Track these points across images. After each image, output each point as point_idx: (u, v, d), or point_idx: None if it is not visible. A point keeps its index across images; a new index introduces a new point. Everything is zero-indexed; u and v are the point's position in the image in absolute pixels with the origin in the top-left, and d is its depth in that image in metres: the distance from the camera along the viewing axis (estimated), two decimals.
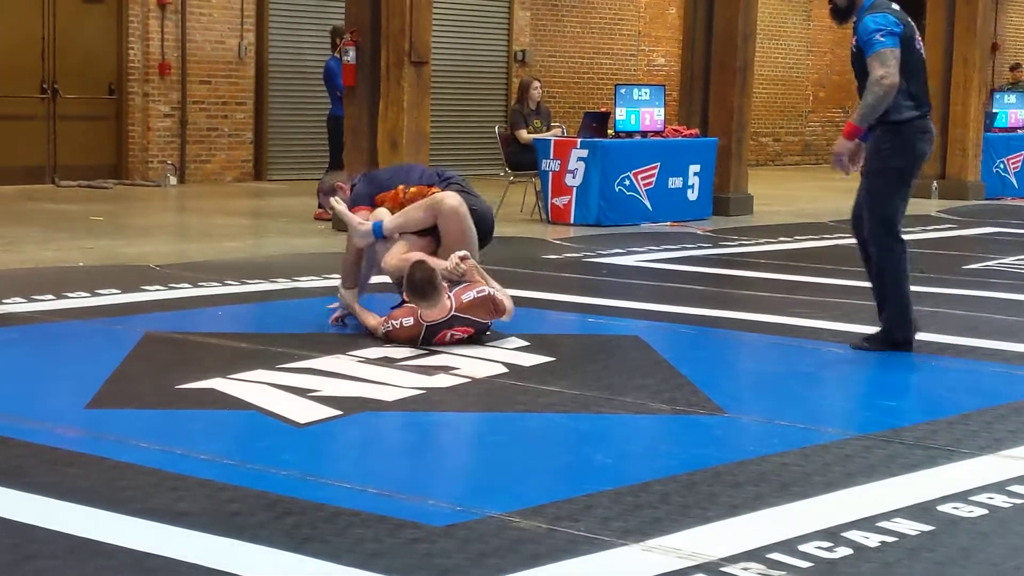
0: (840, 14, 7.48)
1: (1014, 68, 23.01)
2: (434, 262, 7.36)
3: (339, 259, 10.74)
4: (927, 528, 4.41)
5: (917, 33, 7.38)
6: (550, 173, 14.21)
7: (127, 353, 6.89)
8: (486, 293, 7.31)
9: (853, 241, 7.80)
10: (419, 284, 7.19)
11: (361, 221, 7.74)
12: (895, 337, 7.43)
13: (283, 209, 14.92)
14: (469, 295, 7.26)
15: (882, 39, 7.13)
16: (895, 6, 7.37)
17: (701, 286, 9.68)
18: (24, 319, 7.81)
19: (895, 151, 7.32)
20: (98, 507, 4.40)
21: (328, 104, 14.30)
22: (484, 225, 7.80)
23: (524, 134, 14.81)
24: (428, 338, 7.18)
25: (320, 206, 13.90)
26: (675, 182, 14.71)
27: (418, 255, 7.43)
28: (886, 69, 7.11)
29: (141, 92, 17.53)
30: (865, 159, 7.44)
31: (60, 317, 7.90)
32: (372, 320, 7.47)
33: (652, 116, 14.82)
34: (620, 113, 14.56)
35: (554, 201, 14.22)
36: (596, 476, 4.97)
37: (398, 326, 7.25)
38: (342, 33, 13.67)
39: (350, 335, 7.57)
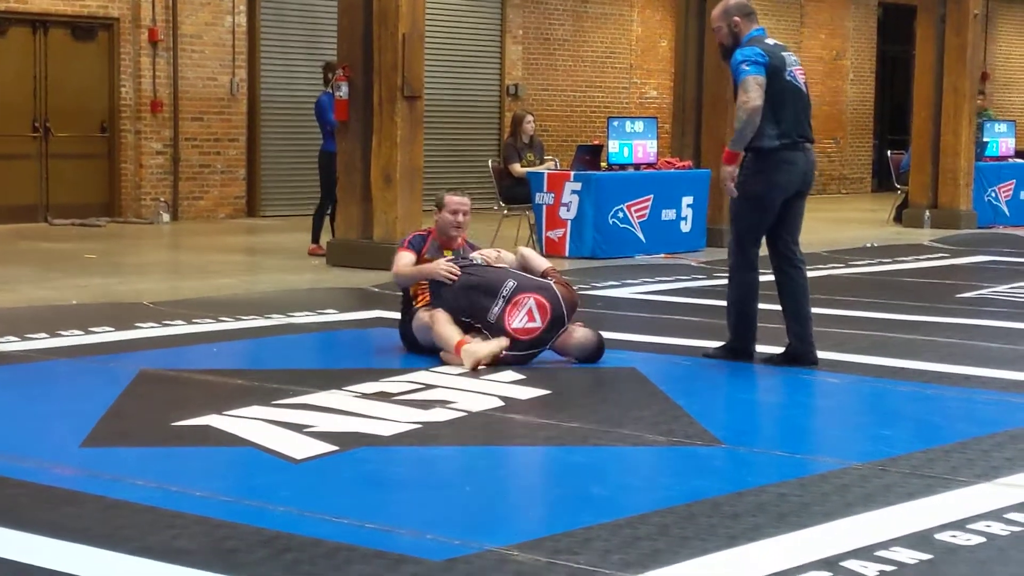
0: (727, 53, 7.88)
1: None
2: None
3: (332, 294, 10.77)
4: (925, 557, 4.40)
5: (792, 66, 7.77)
6: (544, 206, 14.23)
7: (122, 391, 6.88)
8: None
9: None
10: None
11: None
12: (736, 346, 7.89)
13: (277, 245, 14.92)
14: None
15: (746, 68, 7.59)
16: (769, 41, 7.81)
17: (697, 317, 9.68)
18: (18, 358, 7.80)
19: (755, 177, 7.73)
20: (95, 546, 4.39)
21: (320, 140, 14.29)
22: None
23: (517, 168, 14.83)
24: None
25: (314, 241, 13.90)
26: (668, 214, 14.73)
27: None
28: (747, 95, 7.55)
29: (133, 130, 17.56)
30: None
31: (54, 355, 7.89)
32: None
33: (645, 148, 14.86)
34: (613, 146, 14.59)
35: (548, 234, 14.23)
36: (594, 509, 4.95)
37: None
38: (335, 68, 13.69)
39: (344, 369, 7.57)
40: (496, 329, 7.69)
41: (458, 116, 20.99)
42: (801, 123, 7.77)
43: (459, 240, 8.42)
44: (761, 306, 7.96)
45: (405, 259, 8.26)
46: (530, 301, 7.76)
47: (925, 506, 5.01)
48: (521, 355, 7.66)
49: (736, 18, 7.76)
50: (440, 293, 7.93)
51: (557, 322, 7.75)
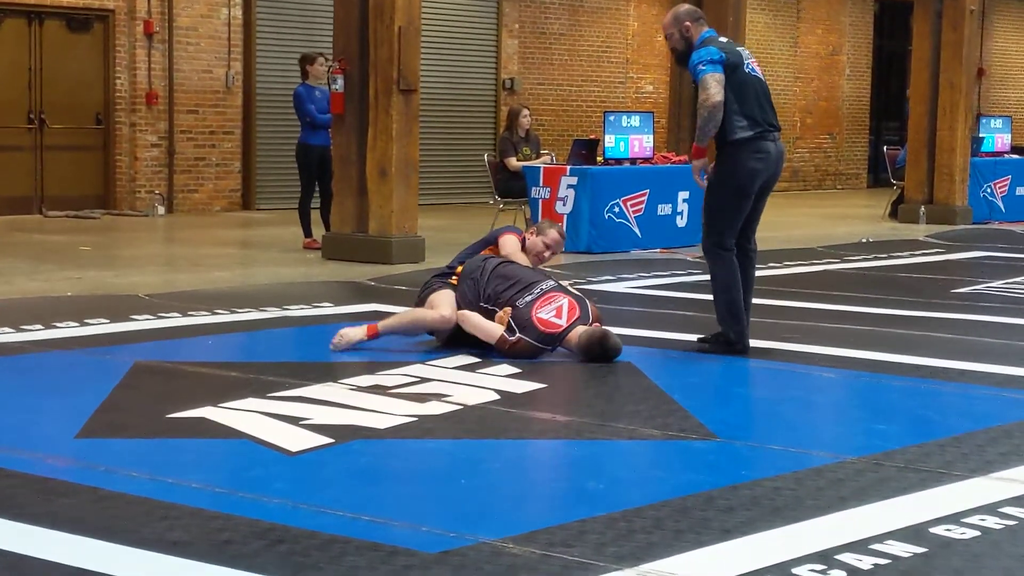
0: (681, 57, 8.17)
1: None
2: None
3: (327, 288, 10.77)
4: (920, 550, 4.40)
5: (747, 59, 8.03)
6: (540, 200, 14.23)
7: (117, 383, 6.87)
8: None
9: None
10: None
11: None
12: (729, 338, 8.00)
13: (272, 238, 14.91)
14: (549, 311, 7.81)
15: (703, 68, 7.84)
16: (722, 39, 8.13)
17: (692, 312, 9.68)
18: (13, 349, 7.79)
19: (728, 169, 7.95)
20: (90, 537, 4.39)
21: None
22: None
23: (513, 162, 14.83)
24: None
25: (307, 235, 13.88)
26: (664, 209, 14.73)
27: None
28: (707, 93, 7.80)
29: (128, 122, 17.54)
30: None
31: (49, 347, 7.89)
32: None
33: (641, 143, 14.85)
34: (609, 140, 14.59)
35: None
36: (589, 502, 4.96)
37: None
38: (312, 60, 13.71)
39: (340, 362, 7.57)
40: (521, 316, 7.69)
41: (454, 110, 20.98)
42: (766, 111, 8.03)
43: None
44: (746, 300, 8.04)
45: (516, 243, 8.44)
46: (564, 300, 7.83)
47: (919, 500, 5.01)
48: (532, 344, 7.64)
49: (687, 23, 8.04)
50: (471, 275, 8.01)
51: (579, 324, 7.77)
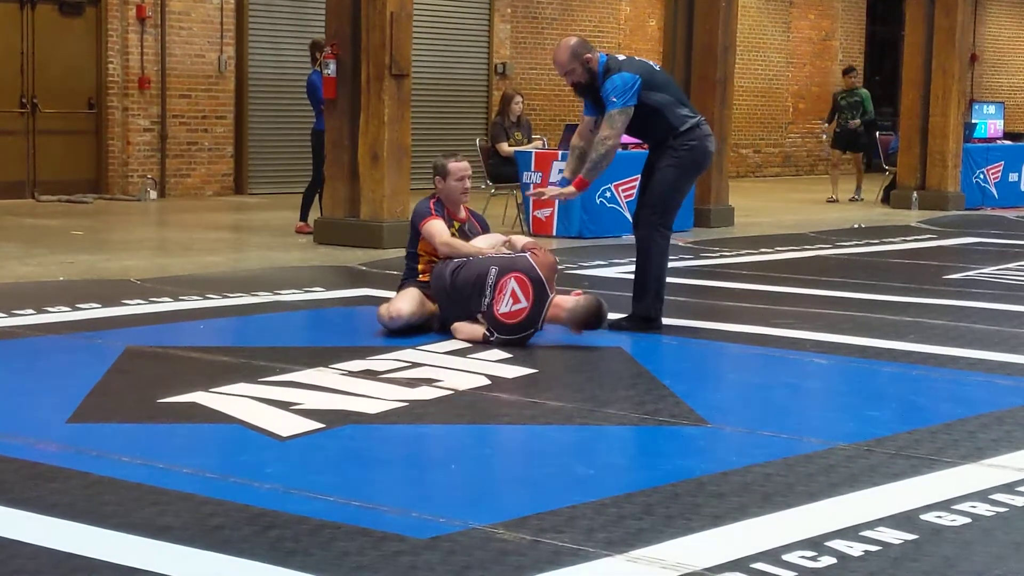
0: (585, 89, 8.30)
1: (847, 72, 21.47)
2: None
3: (319, 272, 10.77)
4: (910, 537, 4.41)
5: (652, 64, 8.40)
6: (531, 185, 14.19)
7: (108, 367, 6.87)
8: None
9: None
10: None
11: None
12: (650, 314, 8.25)
13: (264, 223, 14.89)
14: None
15: (614, 100, 8.01)
16: (620, 57, 8.33)
17: (683, 297, 9.68)
18: (4, 334, 7.78)
19: (688, 153, 8.21)
20: (81, 522, 4.39)
21: (311, 118, 14.25)
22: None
23: (505, 147, 14.81)
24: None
25: (302, 219, 13.88)
26: None
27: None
28: (611, 131, 8.03)
29: (121, 106, 17.50)
30: (655, 160, 8.32)
31: (41, 332, 7.88)
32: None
33: None
34: None
35: (536, 214, 14.22)
36: (579, 487, 4.96)
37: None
38: (322, 47, 13.68)
39: (331, 347, 7.56)
40: (488, 317, 7.66)
41: (446, 95, 20.94)
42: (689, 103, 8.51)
43: (463, 211, 8.39)
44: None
45: (444, 228, 8.12)
46: (511, 283, 7.69)
47: (910, 487, 5.02)
48: (515, 339, 7.62)
49: (587, 56, 8.18)
50: (446, 297, 7.90)
51: (539, 289, 7.66)
